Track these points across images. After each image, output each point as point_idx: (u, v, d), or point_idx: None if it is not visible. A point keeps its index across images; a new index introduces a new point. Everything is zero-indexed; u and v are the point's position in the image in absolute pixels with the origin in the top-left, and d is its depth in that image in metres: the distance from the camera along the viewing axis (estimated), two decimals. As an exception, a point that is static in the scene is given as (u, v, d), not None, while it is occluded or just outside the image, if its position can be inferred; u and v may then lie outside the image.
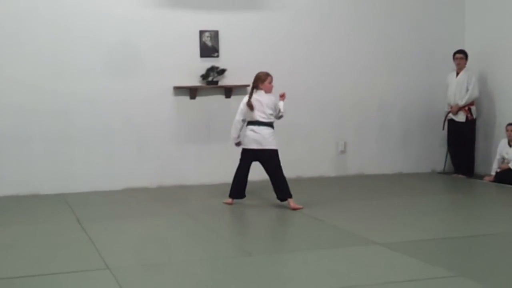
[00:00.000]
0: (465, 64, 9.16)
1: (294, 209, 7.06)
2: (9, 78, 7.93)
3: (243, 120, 7.22)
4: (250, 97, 7.15)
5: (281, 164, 7.18)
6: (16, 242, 5.90)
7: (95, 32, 8.20)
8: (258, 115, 7.10)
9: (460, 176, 9.25)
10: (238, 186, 7.30)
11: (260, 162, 7.25)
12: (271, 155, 7.15)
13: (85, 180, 8.19)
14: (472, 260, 5.29)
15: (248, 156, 7.22)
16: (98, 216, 6.92)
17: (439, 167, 9.71)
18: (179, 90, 8.57)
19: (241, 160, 7.31)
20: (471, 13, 9.64)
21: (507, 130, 8.74)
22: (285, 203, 7.17)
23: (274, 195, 7.26)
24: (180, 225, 6.64)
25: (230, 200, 7.36)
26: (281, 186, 7.13)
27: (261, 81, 7.17)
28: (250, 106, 7.09)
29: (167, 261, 5.30)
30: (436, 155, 9.71)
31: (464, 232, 6.21)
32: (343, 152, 9.39)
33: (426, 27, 9.62)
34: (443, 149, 9.63)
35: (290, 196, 7.11)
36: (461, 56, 9.17)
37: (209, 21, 8.64)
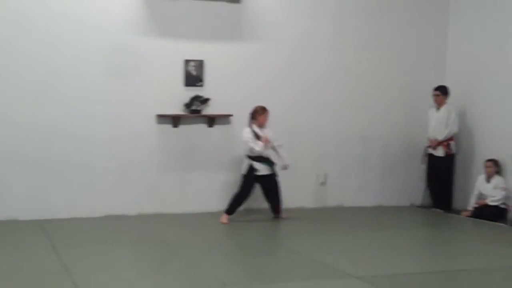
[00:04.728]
0: (444, 100, 9.28)
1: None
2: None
3: None
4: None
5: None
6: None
7: (80, 60, 8.20)
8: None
9: (438, 210, 9.32)
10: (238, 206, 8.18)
11: None
12: None
13: (64, 207, 8.15)
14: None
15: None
16: (73, 243, 6.90)
17: (418, 200, 9.79)
18: (162, 118, 8.61)
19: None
20: (453, 49, 9.80)
21: (485, 166, 8.86)
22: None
23: (255, 223, 7.90)
24: (156, 254, 6.62)
25: (226, 217, 7.97)
26: None
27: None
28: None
29: (141, 290, 5.30)
30: (415, 188, 9.78)
31: (438, 267, 6.26)
32: (323, 184, 9.44)
33: (408, 62, 9.74)
34: (422, 183, 9.72)
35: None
36: (437, 93, 9.31)
37: (195, 51, 8.71)
